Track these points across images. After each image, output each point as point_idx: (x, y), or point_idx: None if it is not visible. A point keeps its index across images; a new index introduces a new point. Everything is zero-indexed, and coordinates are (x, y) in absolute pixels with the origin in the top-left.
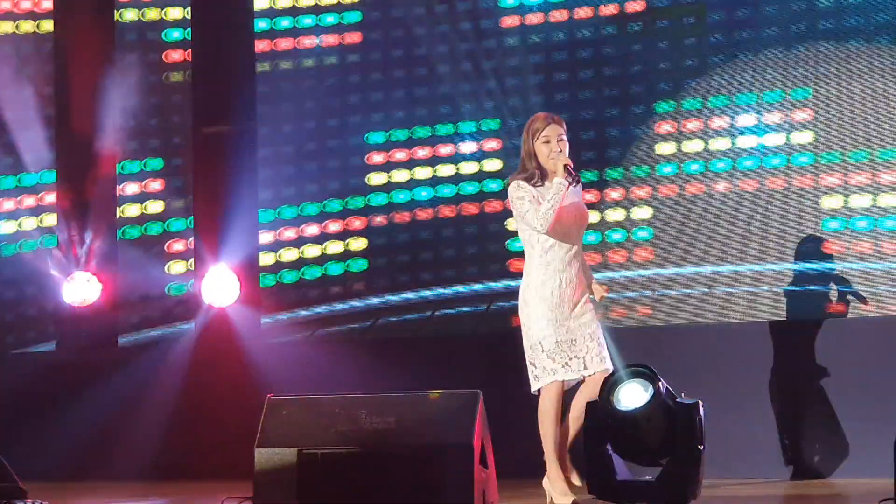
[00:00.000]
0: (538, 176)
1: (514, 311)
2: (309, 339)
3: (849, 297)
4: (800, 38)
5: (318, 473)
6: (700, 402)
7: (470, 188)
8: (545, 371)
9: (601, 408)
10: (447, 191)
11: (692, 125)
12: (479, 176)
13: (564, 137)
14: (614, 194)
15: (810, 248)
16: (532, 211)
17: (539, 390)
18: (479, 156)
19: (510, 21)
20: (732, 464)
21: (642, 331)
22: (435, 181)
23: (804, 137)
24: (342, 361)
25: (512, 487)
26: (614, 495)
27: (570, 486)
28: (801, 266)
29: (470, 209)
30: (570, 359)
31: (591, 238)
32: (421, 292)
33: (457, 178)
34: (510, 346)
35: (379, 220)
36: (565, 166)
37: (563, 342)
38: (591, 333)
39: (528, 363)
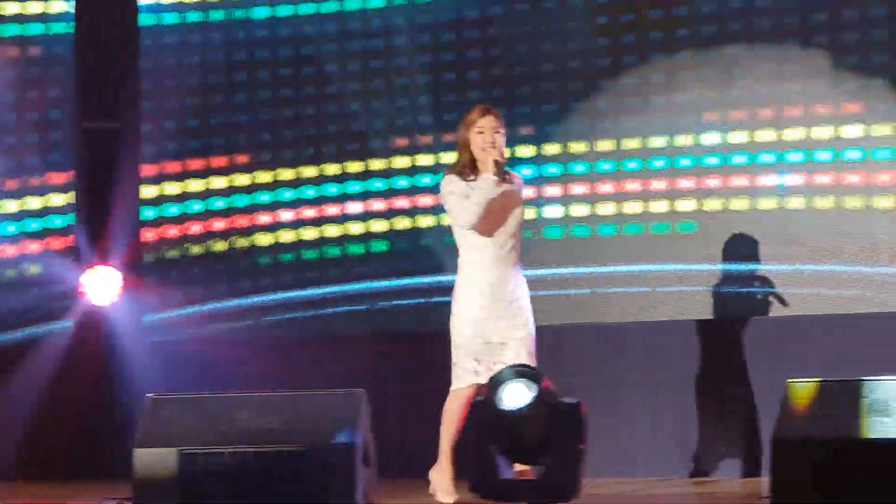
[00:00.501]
0: (469, 169)
1: (401, 309)
2: (192, 338)
3: (726, 297)
4: None
5: (200, 474)
6: (582, 402)
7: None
8: (466, 372)
9: (484, 407)
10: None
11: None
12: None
13: (501, 130)
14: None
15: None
16: (458, 206)
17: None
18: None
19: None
20: (619, 463)
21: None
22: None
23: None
24: (225, 360)
25: (398, 487)
26: (497, 494)
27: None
28: (682, 267)
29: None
30: (495, 363)
31: None
32: (307, 291)
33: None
34: (397, 345)
35: (265, 218)
36: (496, 161)
37: (492, 345)
38: (522, 339)
39: (452, 361)
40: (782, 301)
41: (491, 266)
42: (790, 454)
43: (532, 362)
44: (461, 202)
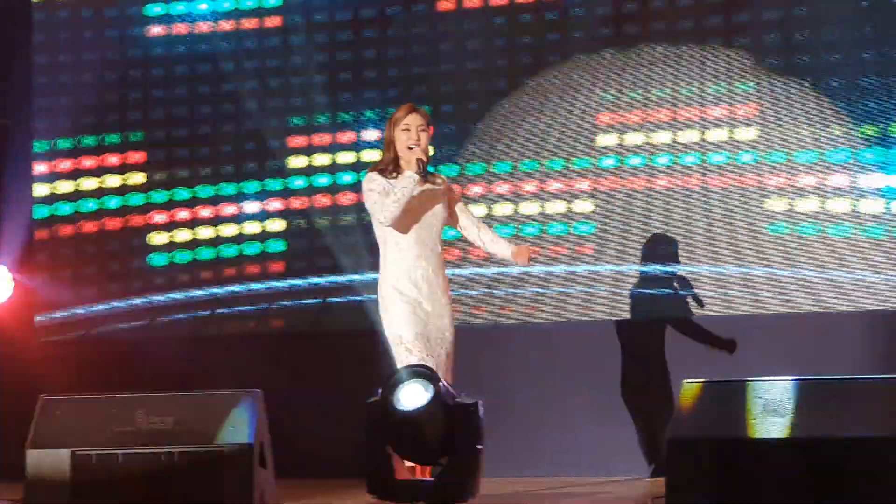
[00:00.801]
0: (392, 167)
1: (298, 309)
2: (85, 339)
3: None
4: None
5: (93, 475)
6: (480, 402)
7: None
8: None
9: (381, 407)
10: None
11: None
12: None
13: (426, 129)
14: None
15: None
16: (378, 203)
17: None
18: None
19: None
20: (519, 462)
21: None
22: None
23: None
24: (120, 360)
25: (295, 488)
26: (393, 495)
27: None
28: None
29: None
30: (426, 355)
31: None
32: (202, 290)
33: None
34: (293, 345)
35: (161, 217)
36: (418, 160)
37: (420, 335)
38: (441, 340)
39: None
40: (699, 302)
41: (412, 265)
42: (685, 454)
43: (450, 362)
44: (382, 199)
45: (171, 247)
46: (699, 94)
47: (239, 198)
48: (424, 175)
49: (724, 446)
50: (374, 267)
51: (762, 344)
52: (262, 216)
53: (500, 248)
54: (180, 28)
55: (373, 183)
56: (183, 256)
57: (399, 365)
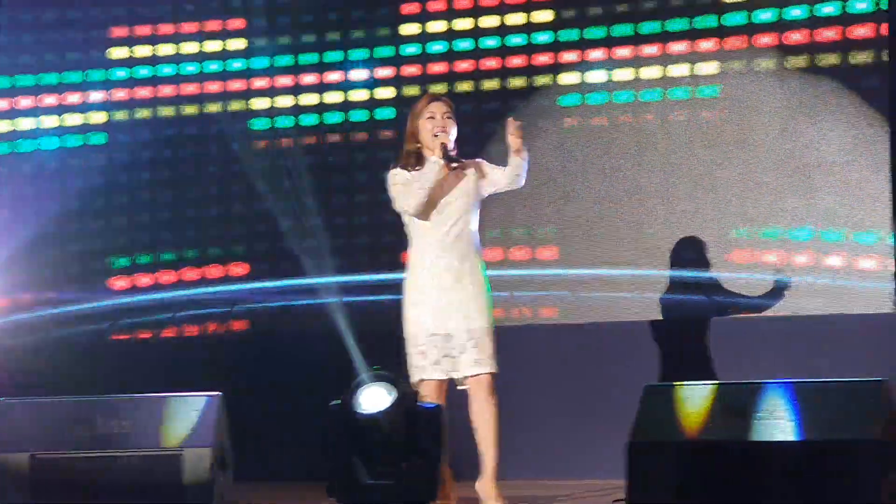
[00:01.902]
0: (415, 159)
1: (256, 312)
2: (43, 341)
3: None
4: None
5: (52, 478)
6: (442, 406)
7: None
8: (415, 368)
9: (343, 411)
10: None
11: None
12: None
13: (452, 116)
14: None
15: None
16: (402, 194)
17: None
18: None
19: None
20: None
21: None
22: None
23: None
24: (80, 363)
25: (255, 491)
26: (356, 498)
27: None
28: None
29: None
30: (443, 356)
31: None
32: (160, 293)
33: None
34: (254, 347)
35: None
36: (442, 145)
37: (438, 336)
38: (470, 330)
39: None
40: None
41: (435, 254)
42: (646, 456)
43: (483, 356)
44: (405, 189)
45: (132, 249)
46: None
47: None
48: (450, 160)
49: (684, 449)
50: (337, 269)
51: (747, 348)
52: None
53: (511, 166)
54: None
55: (395, 177)
56: (144, 259)
57: (410, 366)
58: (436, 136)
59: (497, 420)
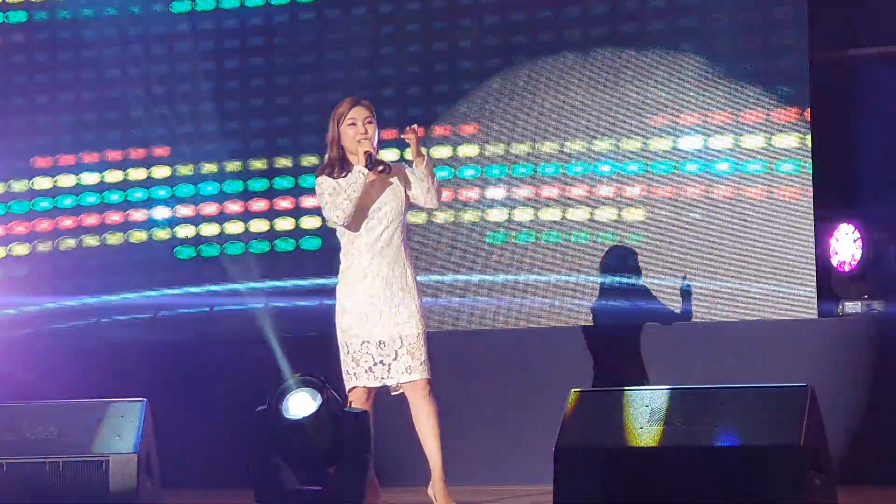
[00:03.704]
0: (339, 166)
1: (181, 318)
2: None
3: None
4: None
5: None
6: (368, 411)
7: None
8: (348, 375)
9: (269, 416)
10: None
11: None
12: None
13: (373, 121)
14: None
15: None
16: (330, 204)
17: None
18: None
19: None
20: (407, 471)
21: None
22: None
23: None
24: (2, 369)
25: (182, 497)
26: (282, 503)
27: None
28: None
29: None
30: (375, 364)
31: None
32: (90, 298)
33: None
34: (179, 353)
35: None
36: (366, 153)
37: (370, 343)
38: (402, 336)
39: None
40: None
41: (366, 262)
42: (572, 462)
43: (416, 362)
44: (333, 199)
45: (55, 255)
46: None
47: (125, 206)
48: (372, 167)
49: (609, 455)
50: (262, 275)
51: (672, 354)
52: (149, 224)
53: (417, 179)
54: (64, 33)
55: (322, 186)
56: (69, 263)
57: (344, 372)
58: (359, 142)
59: (438, 423)
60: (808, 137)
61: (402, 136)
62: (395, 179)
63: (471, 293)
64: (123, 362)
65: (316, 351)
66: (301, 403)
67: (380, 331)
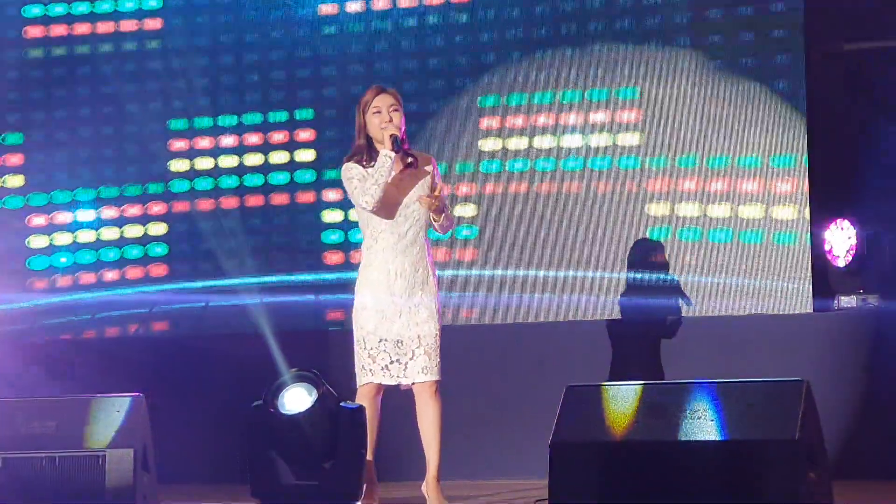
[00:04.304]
0: (367, 154)
1: (177, 313)
2: None
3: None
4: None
5: None
6: (363, 406)
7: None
8: (363, 370)
9: (265, 411)
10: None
11: None
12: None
13: (399, 108)
14: None
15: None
16: (359, 189)
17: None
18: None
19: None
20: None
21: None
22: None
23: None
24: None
25: (178, 492)
26: (277, 498)
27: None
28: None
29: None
30: (392, 362)
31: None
32: (82, 294)
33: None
34: (175, 348)
35: (39, 220)
36: (392, 136)
37: (387, 342)
38: (420, 336)
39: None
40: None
41: (389, 256)
42: (568, 456)
43: (431, 363)
44: (361, 184)
45: (51, 250)
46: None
47: (119, 201)
48: (399, 149)
49: (605, 449)
50: (256, 270)
51: (669, 348)
52: (144, 220)
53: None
54: (59, 30)
55: (350, 172)
56: (64, 259)
57: (358, 367)
58: (383, 129)
59: (440, 423)
60: (805, 132)
61: (426, 204)
62: (425, 176)
63: (468, 289)
64: (119, 358)
65: (312, 346)
66: (297, 398)
67: (398, 330)
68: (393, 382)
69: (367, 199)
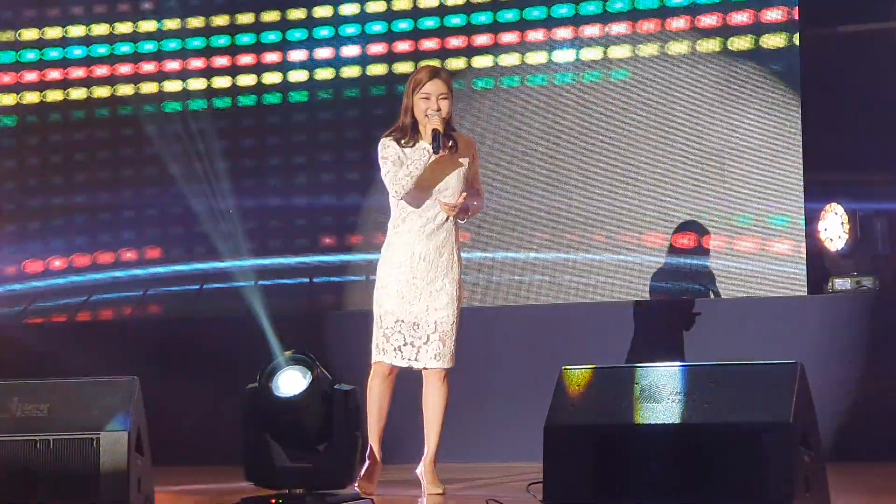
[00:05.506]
0: (410, 134)
1: (171, 296)
2: None
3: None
4: None
5: None
6: (357, 388)
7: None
8: (377, 348)
9: (259, 394)
10: None
11: None
12: None
13: (448, 96)
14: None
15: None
16: (391, 174)
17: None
18: None
19: None
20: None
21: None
22: None
23: None
24: None
25: (173, 475)
26: (272, 481)
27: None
28: None
29: None
30: (405, 344)
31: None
32: (77, 277)
33: None
34: (170, 331)
35: (34, 204)
36: (434, 131)
37: (404, 323)
38: (437, 322)
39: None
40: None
41: (414, 240)
42: (561, 439)
43: (445, 350)
44: (395, 170)
45: (44, 233)
46: None
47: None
48: (437, 149)
49: (599, 432)
50: (251, 253)
51: (663, 331)
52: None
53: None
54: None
55: (386, 150)
56: (57, 241)
57: (374, 346)
58: (427, 117)
59: (445, 409)
60: (799, 115)
61: (445, 210)
62: (463, 162)
63: (466, 270)
64: (113, 340)
65: (307, 328)
66: (291, 381)
67: (416, 312)
68: (404, 365)
69: (398, 188)
